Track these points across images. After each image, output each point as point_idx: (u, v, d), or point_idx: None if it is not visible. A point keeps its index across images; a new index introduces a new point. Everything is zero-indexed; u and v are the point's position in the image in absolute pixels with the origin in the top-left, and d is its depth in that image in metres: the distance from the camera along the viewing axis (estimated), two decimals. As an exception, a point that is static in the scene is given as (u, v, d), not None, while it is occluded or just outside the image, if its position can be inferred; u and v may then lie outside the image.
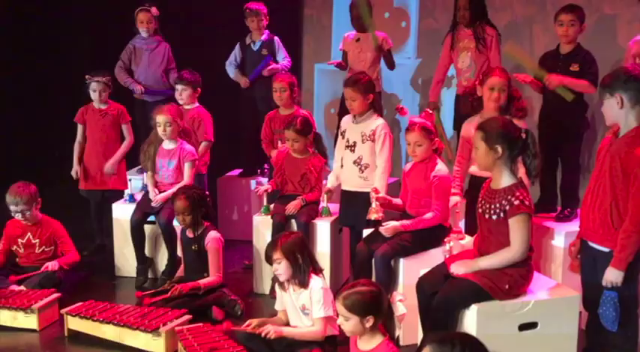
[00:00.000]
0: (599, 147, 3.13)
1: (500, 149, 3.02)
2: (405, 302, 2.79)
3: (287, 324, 3.54)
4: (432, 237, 3.65)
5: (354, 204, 4.09)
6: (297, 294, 3.43)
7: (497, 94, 3.83)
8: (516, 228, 2.97)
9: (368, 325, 2.74)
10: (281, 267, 3.39)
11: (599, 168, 3.04)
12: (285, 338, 3.37)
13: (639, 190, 2.86)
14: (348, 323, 2.77)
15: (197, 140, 4.92)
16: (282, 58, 5.39)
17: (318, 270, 3.47)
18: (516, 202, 2.97)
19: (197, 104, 5.04)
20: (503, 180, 3.05)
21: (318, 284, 3.39)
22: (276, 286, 3.55)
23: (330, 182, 4.32)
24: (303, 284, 3.40)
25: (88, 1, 6.39)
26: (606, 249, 2.99)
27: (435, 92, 5.19)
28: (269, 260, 3.45)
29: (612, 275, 2.93)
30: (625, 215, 2.91)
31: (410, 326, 3.50)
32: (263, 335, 3.31)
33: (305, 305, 3.41)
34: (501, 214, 3.00)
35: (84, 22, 6.50)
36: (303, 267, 3.38)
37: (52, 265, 4.27)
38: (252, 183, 5.31)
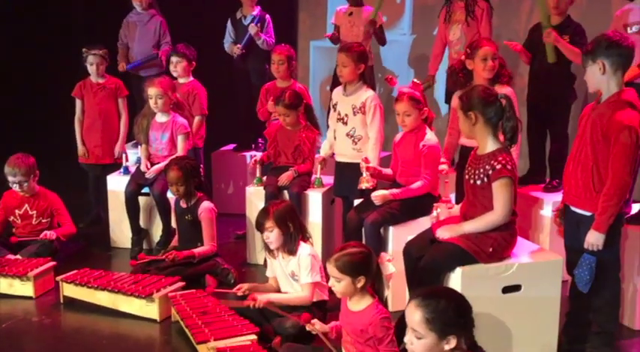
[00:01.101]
0: (581, 114, 3.17)
1: (473, 115, 3.07)
2: (392, 261, 2.86)
3: (278, 290, 3.61)
4: (420, 205, 3.70)
5: (347, 175, 4.14)
6: (287, 261, 3.50)
7: (492, 63, 3.87)
8: (499, 191, 3.02)
9: (359, 285, 2.82)
10: (272, 235, 3.46)
11: (580, 134, 3.09)
12: (274, 304, 3.44)
13: (619, 154, 2.91)
14: (340, 285, 2.84)
15: (191, 114, 4.96)
16: (268, 36, 5.38)
17: (306, 238, 3.54)
18: (498, 166, 3.01)
19: (191, 78, 5.09)
20: (488, 145, 3.10)
21: (306, 250, 3.45)
22: (266, 253, 3.61)
23: (323, 150, 4.38)
24: (292, 251, 3.46)
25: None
26: (589, 213, 3.04)
27: (434, 66, 5.21)
28: (260, 227, 3.50)
29: (593, 238, 2.98)
30: (606, 178, 2.96)
31: (398, 293, 3.58)
32: (252, 306, 3.37)
33: (294, 272, 3.48)
34: (485, 179, 3.05)
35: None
36: (293, 235, 3.45)
37: (49, 234, 4.35)
38: (247, 156, 5.37)
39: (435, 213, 3.44)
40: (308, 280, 3.42)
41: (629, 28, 3.72)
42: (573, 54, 4.01)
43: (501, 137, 3.11)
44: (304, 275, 3.43)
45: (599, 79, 3.00)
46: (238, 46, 5.38)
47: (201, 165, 4.63)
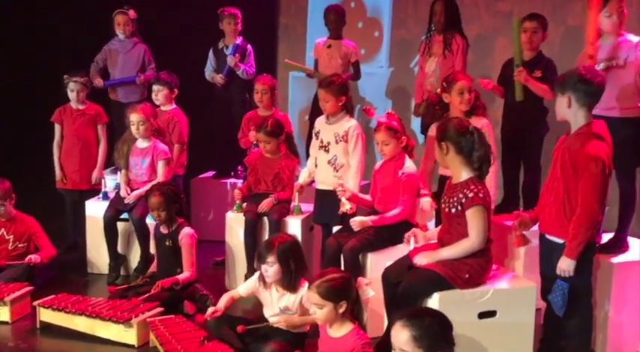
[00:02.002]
0: (555, 146, 3.30)
1: (445, 146, 3.19)
2: (370, 285, 2.92)
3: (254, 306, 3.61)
4: (398, 232, 3.75)
5: (327, 202, 4.21)
6: (280, 295, 3.46)
7: (469, 96, 4.01)
8: (472, 218, 3.12)
9: (341, 310, 2.85)
10: (272, 270, 3.39)
11: (553, 165, 3.22)
12: (257, 330, 3.43)
13: (587, 184, 3.04)
14: (322, 311, 2.87)
15: (171, 141, 5.00)
16: (249, 66, 5.50)
17: (306, 275, 3.47)
18: (471, 195, 3.12)
19: (174, 105, 5.14)
20: (461, 175, 3.21)
21: None
22: (261, 283, 3.53)
23: (301, 177, 4.45)
24: (290, 288, 3.41)
25: (66, 3, 6.47)
26: (561, 241, 3.15)
27: (419, 95, 5.29)
28: (262, 259, 3.42)
29: (564, 264, 3.09)
30: (576, 207, 3.08)
31: (375, 319, 3.62)
32: (275, 325, 3.33)
33: (288, 307, 3.44)
34: (459, 207, 3.16)
35: (62, 24, 6.57)
36: (293, 274, 3.39)
37: (34, 258, 4.34)
38: (228, 183, 5.41)
39: (411, 246, 3.49)
40: None
41: (597, 65, 3.86)
42: (542, 91, 4.15)
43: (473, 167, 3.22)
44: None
45: (565, 110, 3.15)
46: (221, 75, 5.47)
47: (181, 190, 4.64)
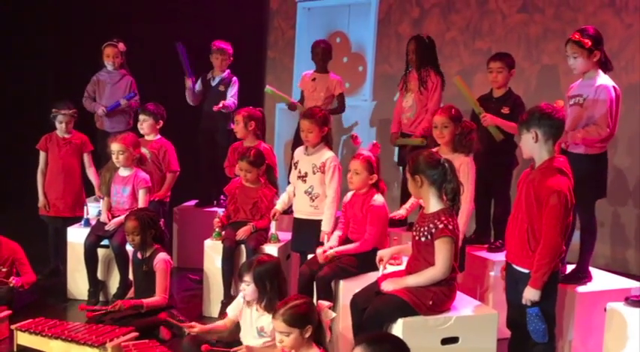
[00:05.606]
0: (519, 179, 3.41)
1: (419, 178, 3.30)
2: (332, 308, 2.98)
3: (228, 332, 3.66)
4: (369, 261, 3.83)
5: (305, 231, 4.34)
6: (259, 315, 3.51)
7: (439, 132, 4.12)
8: (440, 249, 3.22)
9: (307, 335, 2.90)
10: (248, 289, 3.47)
11: (518, 198, 3.33)
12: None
13: (550, 217, 3.14)
14: (289, 339, 2.90)
15: (160, 169, 5.16)
16: (231, 97, 5.64)
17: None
18: (441, 226, 3.22)
19: (159, 136, 5.27)
20: (432, 206, 3.31)
21: None
22: (244, 301, 3.58)
23: (279, 204, 4.54)
24: (269, 309, 3.44)
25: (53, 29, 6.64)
26: (526, 271, 3.24)
27: (395, 126, 5.37)
28: (240, 277, 3.52)
29: (530, 294, 3.17)
30: (540, 238, 3.18)
31: (346, 344, 3.69)
32: None
33: (264, 328, 3.48)
34: (428, 236, 3.26)
35: (50, 51, 6.72)
36: (270, 295, 3.44)
37: (16, 280, 4.42)
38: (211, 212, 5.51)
39: (380, 272, 3.58)
40: None
41: (570, 100, 4.00)
42: (512, 129, 4.29)
43: (445, 198, 3.32)
44: None
45: (531, 146, 3.26)
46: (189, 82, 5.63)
47: (162, 219, 4.73)
